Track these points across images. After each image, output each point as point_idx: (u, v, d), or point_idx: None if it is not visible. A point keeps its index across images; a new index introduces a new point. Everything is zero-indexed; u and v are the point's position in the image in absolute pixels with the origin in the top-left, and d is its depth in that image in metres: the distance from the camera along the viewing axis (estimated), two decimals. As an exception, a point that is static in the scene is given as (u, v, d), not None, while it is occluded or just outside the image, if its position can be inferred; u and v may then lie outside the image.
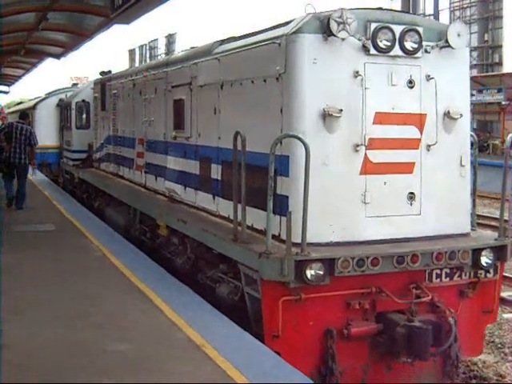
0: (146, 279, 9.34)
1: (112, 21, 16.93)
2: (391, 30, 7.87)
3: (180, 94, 11.34)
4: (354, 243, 7.76)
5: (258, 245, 7.64)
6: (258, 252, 7.37)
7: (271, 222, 7.35)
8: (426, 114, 8.13)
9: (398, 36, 7.90)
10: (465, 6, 58.21)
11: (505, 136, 43.24)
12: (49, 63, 33.71)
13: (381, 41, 7.83)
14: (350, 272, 7.38)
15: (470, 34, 56.25)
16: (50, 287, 9.10)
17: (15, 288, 8.90)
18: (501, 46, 55.07)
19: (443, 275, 8.05)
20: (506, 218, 8.35)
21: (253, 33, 9.24)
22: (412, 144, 8.06)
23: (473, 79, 42.83)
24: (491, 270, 8.30)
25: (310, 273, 7.22)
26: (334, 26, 7.50)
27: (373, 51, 7.82)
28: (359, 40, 7.75)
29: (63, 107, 24.10)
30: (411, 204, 8.06)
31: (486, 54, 56.73)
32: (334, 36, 7.55)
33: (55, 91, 28.16)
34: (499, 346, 10.57)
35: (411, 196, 8.06)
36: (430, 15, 58.27)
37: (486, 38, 56.38)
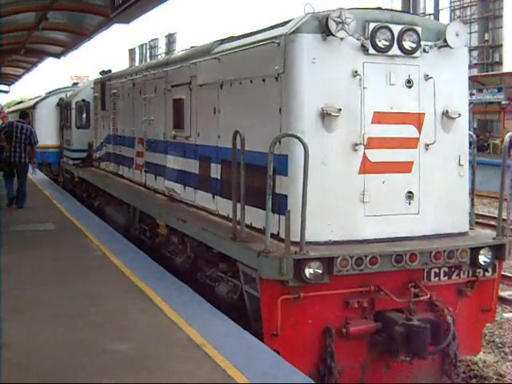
0: (146, 278, 9.35)
1: (112, 20, 16.95)
2: (390, 30, 7.89)
3: (180, 94, 11.37)
4: (352, 242, 7.79)
5: (256, 244, 7.66)
6: (256, 251, 7.39)
7: (270, 220, 7.37)
8: (424, 114, 8.15)
9: (396, 36, 7.92)
10: (465, 5, 58.20)
11: (505, 135, 43.28)
12: (49, 62, 33.77)
13: (379, 40, 7.85)
14: (349, 271, 7.41)
15: (470, 33, 56.38)
16: (50, 286, 9.11)
17: (15, 287, 8.92)
18: (501, 46, 55.06)
19: (442, 274, 8.08)
20: (504, 217, 8.38)
21: (252, 32, 9.26)
22: (410, 143, 8.08)
23: (473, 79, 42.86)
24: (489, 269, 8.34)
25: (308, 271, 7.25)
26: (332, 26, 7.52)
27: (371, 51, 7.84)
28: (358, 40, 7.77)
29: (63, 107, 24.12)
30: (410, 203, 8.08)
31: (487, 53, 56.72)
32: (333, 36, 7.58)
33: (55, 90, 28.17)
34: (499, 345, 10.59)
35: (410, 195, 8.08)
36: (430, 14, 58.31)
37: (486, 38, 56.37)
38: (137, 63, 58.32)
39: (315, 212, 7.51)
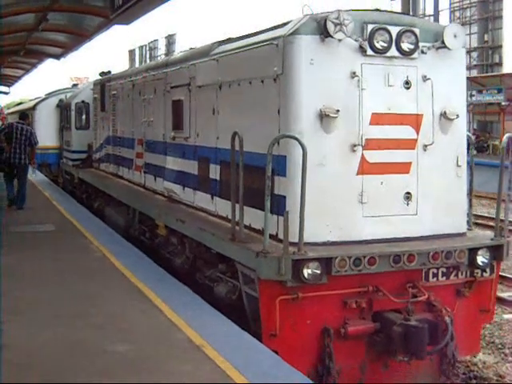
0: (146, 279, 9.36)
1: (112, 21, 16.95)
2: (388, 31, 7.91)
3: (179, 95, 11.40)
4: (350, 243, 7.81)
5: (255, 244, 7.69)
6: (255, 251, 7.42)
7: (268, 221, 7.39)
8: (422, 115, 8.17)
9: (394, 37, 7.95)
10: (465, 6, 58.19)
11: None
12: (49, 64, 33.78)
13: (377, 42, 7.88)
14: (347, 271, 7.43)
15: (470, 34, 56.43)
16: (50, 287, 9.12)
17: (15, 288, 8.93)
18: (501, 47, 55.04)
19: (440, 274, 8.10)
20: (502, 217, 8.41)
21: (251, 34, 9.30)
22: (408, 144, 8.11)
23: (473, 80, 42.91)
24: (488, 270, 8.35)
25: (307, 272, 7.28)
26: (330, 28, 7.55)
27: (369, 52, 7.87)
28: (356, 41, 7.80)
29: (63, 108, 24.16)
30: (408, 204, 8.11)
31: (486, 54, 56.72)
32: (331, 37, 7.60)
33: (55, 92, 28.21)
34: (499, 346, 10.60)
35: (408, 196, 8.10)
36: (430, 15, 58.31)
37: (485, 39, 56.36)
38: (137, 64, 58.27)
39: (313, 213, 7.53)
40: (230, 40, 10.08)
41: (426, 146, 8.17)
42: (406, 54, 8.02)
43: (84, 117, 21.43)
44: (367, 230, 7.92)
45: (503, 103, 41.38)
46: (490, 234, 8.90)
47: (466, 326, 8.30)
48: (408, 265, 7.70)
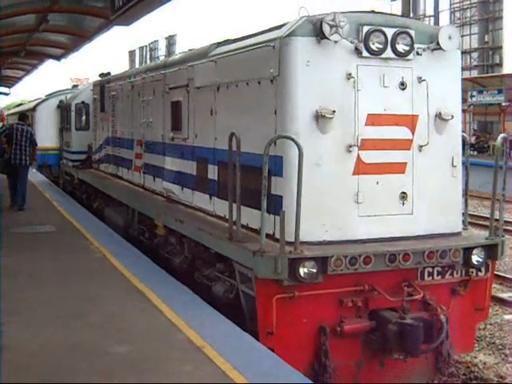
0: (146, 280, 9.40)
1: (112, 22, 16.98)
2: (383, 33, 7.99)
3: (177, 96, 11.48)
4: (346, 242, 7.88)
5: (252, 243, 7.75)
6: (252, 250, 7.49)
7: (265, 221, 7.46)
8: (417, 116, 8.24)
9: (389, 39, 8.02)
10: (465, 7, 58.13)
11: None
12: (49, 65, 33.75)
13: (373, 43, 7.95)
14: (343, 270, 7.50)
15: (470, 35, 56.42)
16: (50, 288, 9.15)
17: (15, 289, 8.97)
18: (501, 47, 54.96)
19: (435, 273, 8.17)
20: (496, 217, 8.49)
21: (248, 35, 9.37)
22: (404, 145, 8.18)
23: (473, 80, 42.93)
24: (483, 269, 8.42)
25: (303, 271, 7.34)
26: (326, 29, 7.63)
27: (365, 53, 7.94)
28: (352, 43, 7.87)
29: (63, 109, 24.22)
30: (403, 204, 8.18)
31: (487, 55, 56.65)
32: (327, 39, 7.67)
33: (55, 93, 28.23)
34: (500, 347, 10.62)
35: (403, 196, 8.18)
36: (430, 16, 58.37)
37: (486, 39, 56.30)
38: (137, 65, 58.32)
39: (310, 212, 7.60)
40: (227, 41, 10.15)
41: (421, 146, 8.24)
42: (401, 56, 8.10)
43: (84, 118, 21.50)
44: (363, 230, 7.99)
45: (503, 104, 41.40)
46: (484, 233, 8.97)
47: (461, 324, 8.37)
48: (403, 264, 7.77)
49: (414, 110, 8.23)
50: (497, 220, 8.54)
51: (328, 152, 7.85)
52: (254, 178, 8.09)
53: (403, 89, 8.17)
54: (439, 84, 8.36)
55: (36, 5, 18.55)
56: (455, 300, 8.36)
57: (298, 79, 7.80)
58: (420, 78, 8.21)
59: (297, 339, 7.61)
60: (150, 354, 6.60)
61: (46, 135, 25.45)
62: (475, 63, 57.00)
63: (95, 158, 19.45)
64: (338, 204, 7.89)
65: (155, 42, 19.95)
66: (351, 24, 7.80)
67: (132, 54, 19.63)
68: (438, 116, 8.34)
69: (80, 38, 23.03)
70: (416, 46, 8.17)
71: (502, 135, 8.40)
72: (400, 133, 8.16)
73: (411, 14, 61.72)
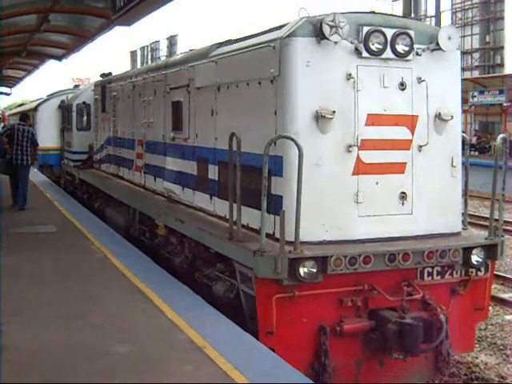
0: (147, 280, 9.41)
1: (113, 22, 17.04)
2: (383, 34, 8.01)
3: (178, 96, 11.51)
4: (346, 242, 7.90)
5: (252, 243, 7.77)
6: (252, 250, 7.51)
7: (265, 220, 7.48)
8: (417, 116, 8.26)
9: (389, 39, 8.04)
10: (466, 7, 58.19)
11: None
12: (50, 65, 33.85)
13: (373, 44, 7.97)
14: (343, 270, 7.52)
15: (472, 35, 56.41)
16: (51, 288, 9.17)
17: (16, 289, 8.99)
18: (502, 48, 55.02)
19: (435, 273, 8.19)
20: (496, 217, 8.51)
21: (249, 36, 9.41)
22: (404, 145, 8.20)
23: (474, 81, 42.92)
24: (482, 269, 8.44)
25: (303, 270, 7.36)
26: (326, 30, 7.65)
27: (365, 54, 7.97)
28: (351, 43, 7.90)
29: (64, 109, 24.26)
30: (403, 204, 8.20)
31: (488, 55, 56.69)
32: (327, 39, 7.69)
33: (57, 93, 28.26)
34: (501, 347, 10.64)
35: (403, 196, 8.20)
36: (431, 17, 58.30)
37: (487, 40, 56.33)
38: (138, 65, 58.35)
39: (310, 212, 7.63)
40: (228, 42, 10.19)
41: (420, 146, 8.26)
42: (400, 56, 8.12)
43: (85, 118, 21.53)
44: (363, 230, 8.01)
45: (505, 104, 41.41)
46: (484, 233, 8.99)
47: (460, 324, 8.39)
48: (403, 264, 7.80)
49: (414, 110, 8.25)
50: (496, 220, 8.56)
51: (328, 152, 7.87)
52: (255, 178, 8.12)
53: (403, 89, 8.19)
54: (439, 84, 8.38)
55: (37, 5, 18.60)
56: (455, 300, 8.39)
57: (298, 79, 7.82)
58: (420, 78, 8.23)
59: (297, 339, 7.63)
60: (151, 354, 6.62)
61: (48, 135, 25.49)
62: (476, 63, 57.02)
63: (96, 158, 19.49)
64: (337, 204, 7.91)
65: (156, 42, 19.96)
66: (351, 24, 7.82)
67: (133, 54, 19.67)
68: (438, 116, 8.36)
69: (81, 38, 23.09)
70: (416, 46, 8.20)
71: (501, 135, 8.42)
72: (400, 133, 8.18)
73: (412, 15, 61.71)
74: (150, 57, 66.60)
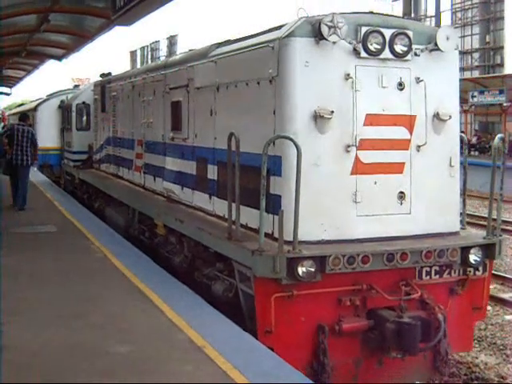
0: (147, 280, 9.42)
1: (113, 22, 17.07)
2: (381, 34, 8.03)
3: (177, 96, 11.53)
4: (345, 241, 7.92)
5: (251, 243, 7.80)
6: (251, 250, 7.54)
7: (264, 220, 7.51)
8: (415, 116, 8.29)
9: (388, 39, 8.07)
10: (466, 7, 58.19)
11: (506, 137, 43.37)
12: (50, 65, 33.89)
13: (371, 44, 8.00)
14: (341, 269, 7.55)
15: (472, 35, 56.41)
16: (51, 288, 9.18)
17: (16, 289, 8.99)
18: (502, 48, 54.99)
19: (433, 273, 8.21)
20: (494, 216, 8.54)
21: (248, 36, 9.43)
22: (402, 145, 8.23)
23: (474, 81, 42.92)
24: (480, 268, 8.46)
25: (301, 270, 7.39)
26: (325, 30, 7.68)
27: (363, 54, 7.99)
28: (350, 43, 7.92)
29: (64, 109, 24.29)
30: (401, 203, 8.23)
31: (488, 55, 56.69)
32: (326, 40, 7.72)
33: (57, 93, 28.29)
34: (501, 347, 10.67)
35: (401, 195, 8.22)
36: (431, 17, 58.32)
37: (487, 40, 56.33)
38: (138, 65, 58.36)
39: (308, 212, 7.66)
40: (227, 42, 10.22)
41: (419, 146, 8.29)
42: (399, 56, 8.14)
43: (85, 118, 21.56)
44: (361, 229, 8.04)
45: (505, 104, 41.43)
46: (482, 233, 9.01)
47: (458, 323, 8.41)
48: (401, 263, 7.82)
49: (412, 110, 8.28)
50: (495, 219, 8.58)
51: (326, 152, 7.90)
52: (253, 178, 8.14)
53: (401, 89, 8.21)
54: (437, 84, 8.41)
55: (37, 5, 18.64)
56: (453, 299, 8.41)
57: (296, 80, 7.85)
58: (418, 78, 8.26)
59: (295, 338, 7.66)
60: (151, 354, 6.63)
61: (48, 135, 25.52)
62: (476, 63, 57.01)
63: (96, 158, 19.51)
64: (336, 203, 7.94)
65: (156, 42, 19.99)
66: (349, 25, 7.84)
67: (133, 54, 19.70)
68: (436, 116, 8.39)
69: (81, 38, 23.13)
70: (414, 46, 8.22)
71: (499, 135, 8.47)
72: (398, 133, 8.21)
73: (412, 15, 61.78)
74: (149, 57, 66.60)
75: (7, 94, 46.36)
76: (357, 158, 8.00)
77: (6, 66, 34.35)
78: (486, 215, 8.48)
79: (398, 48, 8.13)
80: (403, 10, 62.53)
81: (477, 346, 10.62)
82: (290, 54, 7.87)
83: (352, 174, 7.99)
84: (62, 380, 6.01)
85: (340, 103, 7.93)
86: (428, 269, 8.16)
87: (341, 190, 7.96)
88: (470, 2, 57.57)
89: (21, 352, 6.71)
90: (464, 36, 57.18)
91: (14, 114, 40.13)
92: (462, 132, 8.83)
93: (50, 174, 26.54)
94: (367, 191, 8.05)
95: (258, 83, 8.48)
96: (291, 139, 7.40)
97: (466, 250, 8.22)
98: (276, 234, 7.62)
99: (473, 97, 42.47)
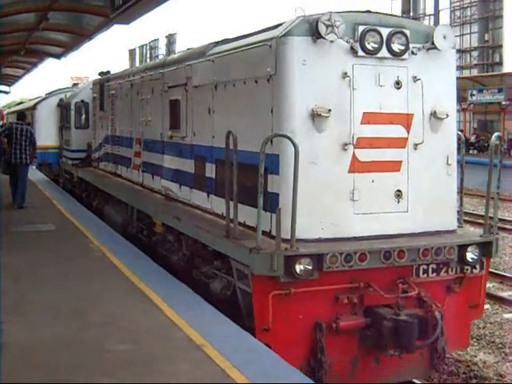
0: (146, 279, 9.43)
1: (112, 21, 17.07)
2: (379, 33, 8.06)
3: (176, 95, 11.55)
4: (342, 239, 7.94)
5: (249, 241, 7.82)
6: (248, 248, 7.56)
7: (261, 218, 7.53)
8: (412, 114, 8.31)
9: (385, 38, 8.09)
10: (465, 5, 58.21)
11: (505, 136, 43.39)
12: (49, 63, 33.89)
13: (368, 43, 8.02)
14: (339, 267, 7.56)
15: (471, 33, 56.44)
16: (50, 287, 9.19)
17: (15, 288, 9.00)
18: (501, 46, 55.04)
19: (430, 271, 8.23)
20: (491, 215, 8.57)
21: (245, 35, 9.45)
22: (399, 143, 8.25)
23: (473, 79, 42.95)
24: (477, 266, 8.48)
25: (299, 268, 7.40)
26: (322, 29, 7.70)
27: (361, 53, 8.01)
28: (347, 42, 7.94)
29: (63, 107, 24.30)
30: (398, 201, 8.25)
31: (487, 53, 56.74)
32: (323, 38, 7.74)
33: (55, 91, 28.29)
34: (500, 345, 10.70)
35: (398, 194, 8.25)
36: (430, 15, 58.34)
37: (486, 38, 56.36)
38: (137, 64, 58.36)
39: (306, 210, 7.68)
40: (225, 41, 10.23)
41: (416, 144, 8.31)
42: (396, 55, 8.17)
43: (83, 116, 21.57)
44: (358, 227, 8.06)
45: (504, 103, 41.45)
46: (479, 231, 9.04)
47: (455, 321, 8.43)
48: (398, 261, 7.84)
49: (409, 108, 8.30)
50: (492, 218, 8.61)
51: (324, 150, 7.92)
52: (251, 176, 8.16)
53: (398, 88, 8.24)
54: (434, 83, 8.43)
55: (36, 3, 18.66)
56: (450, 297, 8.43)
57: (294, 78, 7.87)
58: (415, 77, 8.28)
59: (293, 335, 7.68)
60: (151, 353, 6.64)
61: (46, 134, 25.51)
62: (475, 62, 57.08)
63: (95, 157, 19.53)
64: (333, 202, 7.96)
65: (155, 40, 19.97)
66: (347, 24, 7.86)
67: (132, 52, 19.71)
68: (433, 115, 8.41)
69: (80, 36, 23.13)
70: (411, 45, 8.24)
71: (496, 134, 8.49)
72: (395, 131, 8.24)
73: (411, 13, 61.83)
74: (148, 55, 66.49)
75: (6, 93, 46.31)
76: (354, 156, 8.02)
77: (5, 64, 34.35)
78: (489, 214, 8.48)
79: (396, 47, 8.15)
80: (402, 9, 62.68)
81: (475, 344, 10.66)
82: (287, 53, 7.89)
83: (349, 172, 8.01)
84: (61, 378, 6.02)
85: (337, 102, 7.95)
86: (425, 267, 8.18)
87: (338, 188, 7.98)
88: (468, 1, 57.64)
89: (21, 351, 6.72)
90: (463, 34, 57.27)
91: (12, 112, 40.12)
92: (460, 130, 8.85)
93: (48, 173, 26.53)
94: (364, 189, 8.07)
95: (256, 82, 8.49)
96: (289, 137, 7.42)
97: (463, 248, 8.24)
98: (273, 232, 7.64)
99: (472, 95, 42.51)
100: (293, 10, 8.27)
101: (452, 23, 56.41)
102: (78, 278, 9.71)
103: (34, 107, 27.72)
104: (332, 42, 7.83)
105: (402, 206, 8.27)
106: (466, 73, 55.21)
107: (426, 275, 8.22)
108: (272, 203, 7.92)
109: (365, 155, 8.07)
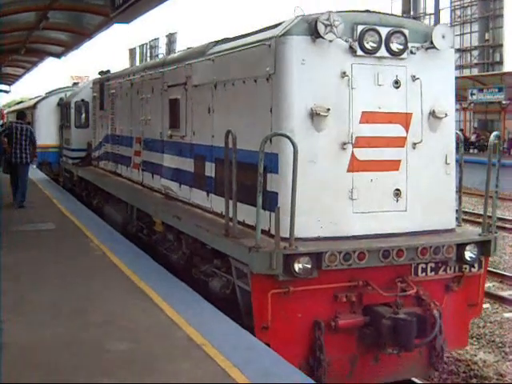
0: (146, 278, 9.44)
1: (112, 20, 17.10)
2: (377, 32, 8.08)
3: (175, 94, 11.56)
4: (341, 238, 7.96)
5: (248, 239, 7.84)
6: (248, 246, 7.58)
7: (261, 217, 7.55)
8: (411, 113, 8.33)
9: (384, 38, 8.11)
10: (465, 5, 58.18)
11: (505, 135, 43.42)
12: (49, 62, 33.95)
13: (367, 42, 8.04)
14: (337, 266, 7.59)
15: (471, 33, 56.42)
16: (50, 286, 9.19)
17: (15, 288, 9.01)
18: (501, 45, 55.04)
19: (428, 269, 8.25)
20: (489, 214, 8.59)
21: (245, 34, 9.47)
22: (398, 142, 8.27)
23: (474, 78, 42.95)
24: (476, 265, 8.51)
25: (297, 266, 7.43)
26: (321, 28, 7.72)
27: (359, 52, 8.03)
28: (346, 42, 7.96)
29: (63, 106, 24.31)
30: (397, 200, 8.27)
31: (487, 53, 56.72)
32: (322, 38, 7.76)
33: (56, 90, 28.29)
34: (500, 345, 10.72)
35: (397, 193, 8.27)
36: (430, 14, 58.33)
37: (486, 37, 56.35)
38: (137, 63, 58.35)
39: (305, 209, 7.70)
40: (225, 40, 10.25)
41: (415, 144, 8.33)
42: (395, 55, 8.19)
43: (83, 115, 21.58)
44: (357, 226, 8.08)
45: (504, 102, 41.46)
46: (478, 230, 9.06)
47: (454, 319, 8.45)
48: (397, 260, 7.87)
49: (408, 108, 8.32)
50: (490, 217, 8.63)
51: (323, 149, 7.94)
52: (250, 175, 8.18)
53: (397, 87, 8.26)
54: (433, 82, 8.45)
55: (36, 2, 18.69)
56: (448, 296, 8.45)
57: (293, 77, 7.89)
58: (414, 76, 8.30)
59: (292, 334, 7.70)
60: (151, 352, 6.65)
61: (46, 133, 25.51)
62: (475, 61, 57.07)
63: (95, 156, 19.55)
64: (332, 201, 7.98)
65: (155, 39, 19.99)
66: (346, 23, 7.88)
67: (132, 51, 19.72)
68: (432, 114, 8.43)
69: (80, 35, 23.16)
70: (410, 44, 8.26)
71: (494, 133, 8.51)
72: (394, 130, 8.25)
73: (411, 12, 61.83)
74: (149, 54, 66.53)
75: (6, 92, 46.41)
76: (353, 155, 8.04)
77: (5, 63, 34.39)
78: (488, 214, 8.50)
79: (394, 46, 8.17)
80: (402, 8, 62.67)
81: (475, 343, 10.68)
82: (286, 52, 7.91)
83: (348, 171, 8.03)
84: (61, 378, 6.03)
85: (336, 101, 7.97)
86: (424, 265, 8.20)
87: (337, 187, 8.00)
88: (469, 0, 57.58)
89: (21, 350, 6.73)
90: (463, 34, 57.27)
91: (13, 111, 40.14)
92: (460, 130, 8.87)
93: (48, 172, 26.54)
94: (363, 188, 8.09)
95: (255, 81, 8.52)
96: (288, 137, 7.45)
97: (461, 247, 8.26)
98: (273, 231, 7.66)
99: (472, 94, 42.51)
100: (292, 10, 8.29)
101: (452, 22, 56.43)
102: (78, 277, 9.71)
103: (34, 106, 27.72)
104: (331, 41, 7.85)
105: (400, 205, 8.29)
106: (467, 72, 55.19)
107: (424, 274, 8.24)
108: (271, 202, 7.94)
109: (364, 154, 8.09)
